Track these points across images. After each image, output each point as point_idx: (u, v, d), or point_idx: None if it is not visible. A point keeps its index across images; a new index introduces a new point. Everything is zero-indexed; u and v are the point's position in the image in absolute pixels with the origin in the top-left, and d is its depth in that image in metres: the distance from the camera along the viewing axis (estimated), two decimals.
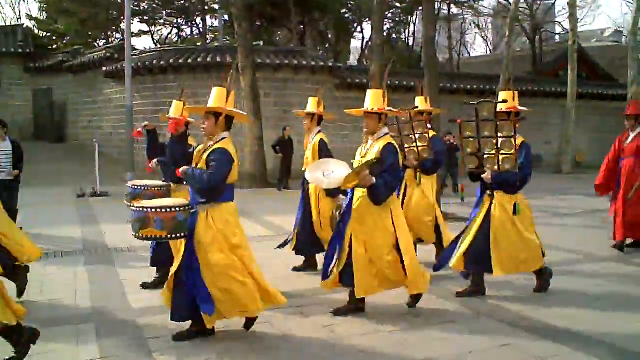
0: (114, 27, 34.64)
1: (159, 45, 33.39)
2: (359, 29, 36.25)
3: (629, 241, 7.97)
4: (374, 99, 5.21)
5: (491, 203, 5.57)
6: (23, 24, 29.74)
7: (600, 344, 4.48)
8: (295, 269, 6.84)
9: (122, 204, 6.38)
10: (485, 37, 48.35)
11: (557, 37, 41.06)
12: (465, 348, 4.41)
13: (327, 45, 33.73)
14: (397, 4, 33.31)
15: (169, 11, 35.31)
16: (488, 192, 5.62)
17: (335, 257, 5.10)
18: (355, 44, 40.60)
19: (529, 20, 34.78)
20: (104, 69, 20.71)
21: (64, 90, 24.39)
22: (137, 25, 35.06)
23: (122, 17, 24.78)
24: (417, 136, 6.64)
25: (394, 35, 37.46)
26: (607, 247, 7.83)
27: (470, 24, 43.24)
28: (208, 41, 34.07)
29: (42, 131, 24.05)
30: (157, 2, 33.50)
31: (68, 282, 6.38)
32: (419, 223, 6.76)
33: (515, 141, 5.30)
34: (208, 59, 18.91)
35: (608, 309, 5.34)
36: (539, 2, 36.70)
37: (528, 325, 4.91)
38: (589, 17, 60.88)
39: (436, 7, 30.06)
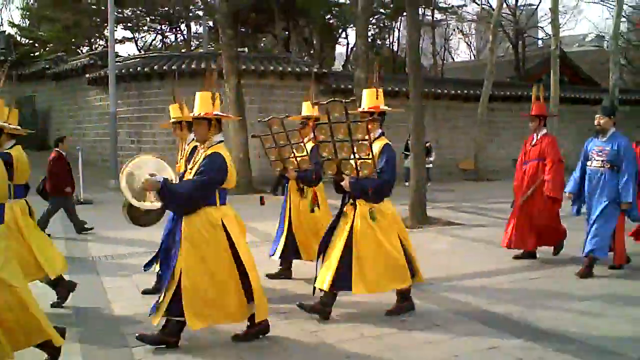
0: (98, 34, 34.49)
1: (143, 52, 33.25)
2: (343, 34, 36.43)
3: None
4: (201, 103, 4.53)
5: (354, 214, 5.03)
6: (5, 31, 29.51)
7: (587, 346, 4.50)
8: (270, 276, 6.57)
9: (106, 212, 6.32)
10: (469, 43, 48.75)
11: (539, 42, 41.46)
12: (451, 351, 4.41)
13: (311, 51, 33.80)
14: (381, 10, 33.49)
15: (153, 18, 35.23)
16: (350, 201, 5.09)
17: (164, 286, 4.47)
18: (340, 49, 40.76)
19: (512, 26, 35.11)
20: (88, 75, 20.60)
21: (47, 97, 24.19)
22: (120, 32, 34.90)
23: (106, 24, 24.67)
24: (294, 145, 6.12)
25: (378, 41, 37.66)
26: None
27: (454, 30, 43.59)
28: (192, 48, 34.03)
29: (25, 139, 23.75)
30: (141, 8, 33.39)
31: (50, 291, 6.28)
32: (307, 238, 6.35)
33: (371, 144, 4.78)
34: (193, 66, 18.85)
35: (593, 310, 5.37)
36: (521, 8, 37.09)
37: (514, 327, 4.91)
38: (570, 22, 61.70)
39: (420, 12, 30.26)
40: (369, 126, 4.78)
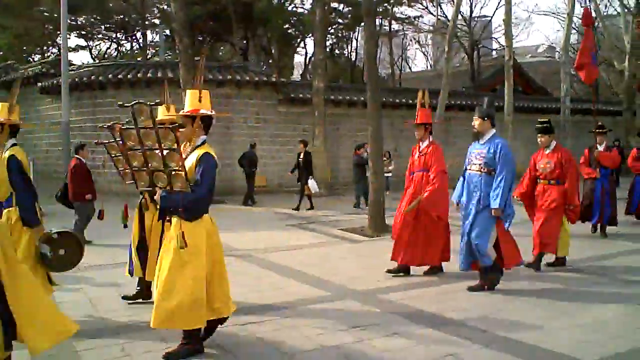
0: (50, 42, 33.75)
1: (97, 60, 32.65)
2: (302, 44, 36.57)
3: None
4: None
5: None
6: None
7: (543, 351, 4.57)
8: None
9: (58, 224, 6.12)
10: (426, 53, 49.52)
11: (494, 52, 42.46)
12: (409, 359, 4.42)
13: (270, 61, 33.78)
14: (339, 20, 33.74)
15: (108, 26, 34.65)
16: (167, 218, 4.50)
17: None
18: (299, 59, 40.91)
19: (467, 37, 35.85)
20: (39, 84, 20.06)
21: None
22: (74, 40, 34.20)
23: (59, 32, 24.10)
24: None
25: (336, 51, 37.92)
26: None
27: (411, 40, 44.23)
28: (149, 56, 33.58)
29: None
30: (95, 16, 32.79)
31: None
32: (153, 256, 5.61)
33: (180, 152, 4.22)
34: (149, 75, 18.58)
35: (548, 316, 5.46)
36: (476, 19, 37.94)
37: (471, 334, 4.95)
38: (523, 34, 63.53)
39: (377, 23, 30.60)
40: (177, 133, 4.23)
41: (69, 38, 26.41)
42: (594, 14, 31.34)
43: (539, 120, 7.95)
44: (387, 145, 16.81)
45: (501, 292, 6.33)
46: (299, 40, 35.42)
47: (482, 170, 6.28)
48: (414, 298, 6.13)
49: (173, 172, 4.24)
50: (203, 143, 4.52)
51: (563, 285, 6.68)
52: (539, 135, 7.79)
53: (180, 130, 4.38)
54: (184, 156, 4.34)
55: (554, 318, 5.40)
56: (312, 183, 14.56)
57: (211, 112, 4.58)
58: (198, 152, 4.43)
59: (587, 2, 31.84)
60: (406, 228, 7.07)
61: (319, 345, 4.74)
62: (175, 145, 4.16)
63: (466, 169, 6.52)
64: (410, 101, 22.67)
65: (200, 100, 4.50)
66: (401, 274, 7.16)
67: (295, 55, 38.71)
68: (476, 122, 6.43)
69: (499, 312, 5.59)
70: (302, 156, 14.87)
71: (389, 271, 7.21)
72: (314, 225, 11.98)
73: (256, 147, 16.85)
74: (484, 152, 6.29)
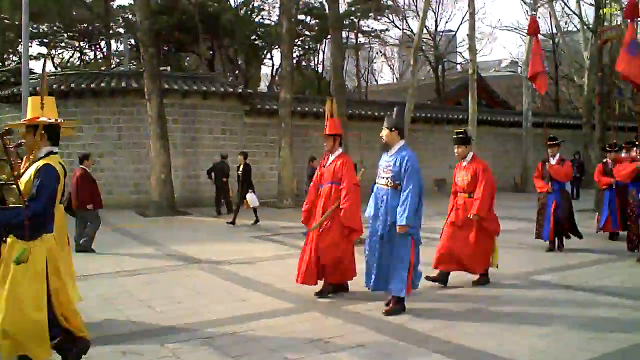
0: (11, 50, 33.03)
1: (59, 69, 32.07)
2: (269, 55, 36.59)
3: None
4: None
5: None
6: None
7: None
8: None
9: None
10: (392, 66, 50.06)
11: (458, 66, 43.15)
12: None
13: (236, 72, 33.69)
14: (307, 32, 33.89)
15: (71, 34, 34.13)
16: (4, 239, 3.98)
17: None
18: (266, 70, 40.91)
19: (432, 51, 36.41)
20: None
21: None
22: (36, 48, 33.53)
23: (20, 39, 23.65)
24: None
25: (303, 63, 38.04)
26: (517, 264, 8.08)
27: (377, 53, 44.67)
28: (113, 66, 33.15)
29: None
30: (58, 24, 32.27)
31: None
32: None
33: (11, 164, 3.87)
34: (112, 84, 18.33)
35: (513, 328, 5.52)
36: (441, 34, 38.58)
37: (436, 345, 4.97)
38: (487, 48, 64.90)
39: (344, 36, 30.83)
40: (8, 142, 3.93)
41: (31, 46, 25.93)
42: (554, 30, 32.27)
43: (455, 130, 7.60)
44: (353, 157, 16.87)
45: (463, 306, 6.38)
46: (265, 51, 35.45)
47: (388, 184, 5.95)
48: (377, 309, 6.11)
49: (4, 186, 3.85)
50: (48, 154, 4.08)
51: (521, 298, 6.75)
52: (455, 146, 7.42)
53: (9, 138, 4.14)
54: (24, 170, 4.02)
55: (513, 329, 5.45)
56: (251, 197, 13.84)
57: (56, 120, 4.14)
58: (38, 164, 3.97)
59: (549, 18, 32.71)
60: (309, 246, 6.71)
61: (282, 358, 4.69)
62: (5, 155, 3.82)
63: (375, 183, 6.16)
64: (376, 113, 22.87)
65: (42, 108, 4.10)
66: (330, 295, 6.72)
67: (262, 66, 38.74)
68: (383, 132, 6.05)
69: (461, 324, 5.62)
70: (241, 168, 14.34)
71: (316, 293, 6.73)
72: (278, 237, 11.91)
73: (227, 158, 16.81)
74: (390, 165, 5.94)
